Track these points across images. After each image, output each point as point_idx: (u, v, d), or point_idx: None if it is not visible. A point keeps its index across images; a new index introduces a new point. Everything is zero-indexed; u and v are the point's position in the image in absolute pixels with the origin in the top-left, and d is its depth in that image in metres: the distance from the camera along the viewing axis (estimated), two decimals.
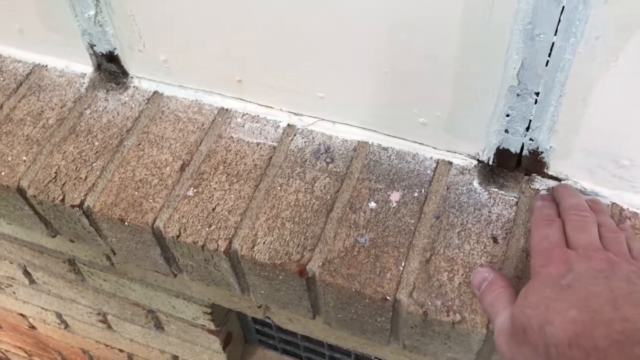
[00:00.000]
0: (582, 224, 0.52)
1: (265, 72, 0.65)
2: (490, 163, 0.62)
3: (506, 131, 0.58)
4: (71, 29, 0.70)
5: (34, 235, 0.91)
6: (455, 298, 0.55)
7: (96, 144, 0.69)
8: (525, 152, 0.60)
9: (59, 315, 1.30)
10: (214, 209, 0.63)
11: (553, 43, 0.49)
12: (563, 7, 0.46)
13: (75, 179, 0.66)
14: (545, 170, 0.61)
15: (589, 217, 0.53)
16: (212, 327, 0.98)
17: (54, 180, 0.66)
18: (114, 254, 0.73)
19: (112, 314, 1.12)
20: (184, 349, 1.14)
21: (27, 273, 1.13)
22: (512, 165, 0.62)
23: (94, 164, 0.67)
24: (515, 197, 0.61)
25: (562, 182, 0.61)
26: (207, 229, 0.61)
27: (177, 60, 0.68)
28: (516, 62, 0.52)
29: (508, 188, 0.61)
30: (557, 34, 0.48)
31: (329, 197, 0.63)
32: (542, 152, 0.59)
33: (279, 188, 0.64)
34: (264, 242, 0.60)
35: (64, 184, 0.66)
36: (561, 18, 0.47)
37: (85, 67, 0.75)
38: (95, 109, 0.72)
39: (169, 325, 1.06)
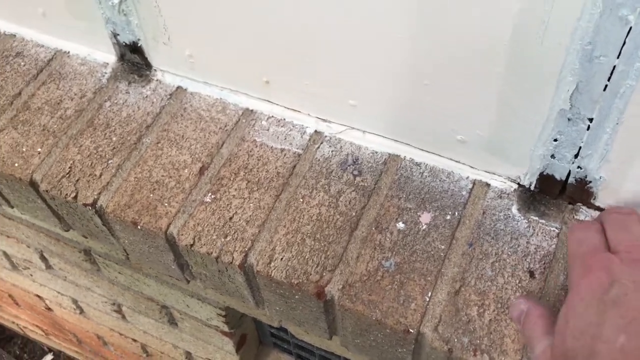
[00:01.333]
0: (624, 221, 0.47)
1: (295, 74, 0.60)
2: (532, 188, 0.57)
3: (552, 156, 0.53)
4: (95, 16, 0.66)
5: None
6: (484, 336, 0.51)
7: (114, 139, 0.66)
8: (571, 179, 0.54)
9: (74, 301, 1.29)
10: (231, 218, 0.59)
11: (614, 67, 0.44)
12: (630, 28, 0.41)
13: (89, 175, 0.63)
14: (591, 201, 0.55)
15: (632, 215, 0.48)
16: (226, 329, 0.95)
17: (67, 175, 0.63)
18: (127, 254, 0.70)
19: (127, 305, 1.10)
20: (197, 347, 1.12)
21: (43, 258, 1.11)
22: (555, 193, 0.57)
23: (109, 161, 0.64)
24: (556, 227, 0.56)
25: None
26: (223, 240, 0.58)
27: (202, 56, 0.65)
28: (570, 85, 0.47)
29: (549, 217, 0.56)
30: (620, 57, 0.43)
31: (354, 214, 0.58)
32: (590, 182, 0.54)
33: (301, 200, 0.60)
34: (282, 259, 0.56)
35: (77, 180, 0.63)
36: (627, 40, 0.42)
37: (108, 56, 0.72)
38: (115, 101, 0.69)
39: (183, 322, 1.03)
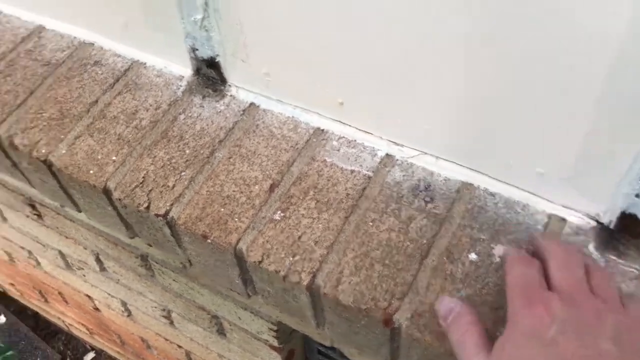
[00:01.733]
0: (567, 261, 0.48)
1: (371, 97, 0.60)
2: (612, 227, 0.56)
3: (637, 196, 0.51)
4: (175, 30, 0.68)
5: (101, 226, 0.91)
6: None
7: (187, 152, 0.67)
8: None
9: (123, 304, 1.31)
10: (299, 238, 0.59)
11: None
12: None
13: (162, 186, 0.64)
14: None
15: (576, 256, 0.49)
16: (276, 343, 0.95)
17: (141, 185, 0.64)
18: (190, 264, 0.71)
19: (177, 312, 1.11)
20: (244, 358, 1.12)
21: (99, 260, 1.14)
22: (636, 233, 0.55)
23: (182, 173, 0.65)
24: (636, 269, 0.54)
25: None
26: (291, 259, 0.58)
27: (279, 75, 0.65)
28: None
29: (628, 258, 0.55)
30: None
31: (424, 242, 0.58)
32: None
33: (370, 223, 0.59)
34: (350, 282, 0.56)
35: (150, 190, 0.64)
36: None
37: (183, 70, 0.73)
38: (189, 114, 0.70)
39: (232, 333, 1.03)
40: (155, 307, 1.17)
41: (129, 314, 1.36)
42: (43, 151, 0.68)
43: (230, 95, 0.71)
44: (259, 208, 0.62)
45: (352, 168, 0.63)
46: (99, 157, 0.67)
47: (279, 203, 0.62)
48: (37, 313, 2.17)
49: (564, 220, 0.57)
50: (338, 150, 0.65)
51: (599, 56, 0.44)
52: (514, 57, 0.48)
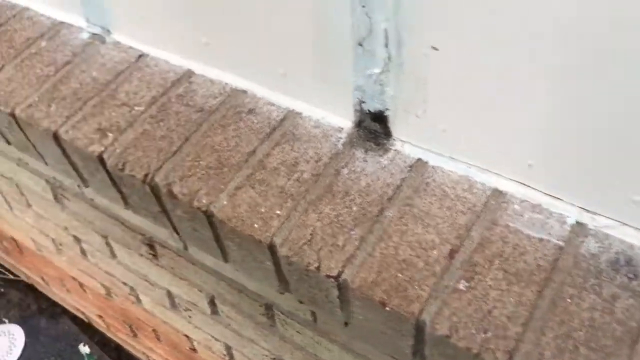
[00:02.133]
0: None
1: (566, 161, 0.56)
2: None
3: None
4: (343, 82, 0.65)
5: (241, 277, 0.89)
6: None
7: (354, 209, 0.63)
8: None
9: (227, 348, 1.28)
10: (490, 312, 0.54)
11: None
12: None
13: (331, 245, 0.61)
14: None
15: None
16: None
17: (309, 242, 0.61)
18: (346, 325, 0.67)
19: None
20: None
21: (212, 304, 1.11)
22: None
23: (351, 232, 0.61)
24: None
25: None
26: (482, 335, 0.53)
27: (457, 132, 0.62)
28: None
29: None
30: None
31: (634, 324, 0.52)
32: None
33: (568, 300, 0.54)
34: None
35: (319, 249, 0.61)
36: None
37: (343, 121, 0.71)
38: (352, 169, 0.67)
39: None
40: (266, 356, 1.13)
41: (231, 358, 1.33)
42: (204, 201, 0.66)
43: (395, 150, 0.68)
44: (440, 276, 0.57)
45: (540, 236, 0.58)
46: (262, 210, 0.65)
47: (461, 271, 0.57)
48: (119, 346, 2.18)
49: None
50: (522, 215, 0.60)
51: None
52: None
